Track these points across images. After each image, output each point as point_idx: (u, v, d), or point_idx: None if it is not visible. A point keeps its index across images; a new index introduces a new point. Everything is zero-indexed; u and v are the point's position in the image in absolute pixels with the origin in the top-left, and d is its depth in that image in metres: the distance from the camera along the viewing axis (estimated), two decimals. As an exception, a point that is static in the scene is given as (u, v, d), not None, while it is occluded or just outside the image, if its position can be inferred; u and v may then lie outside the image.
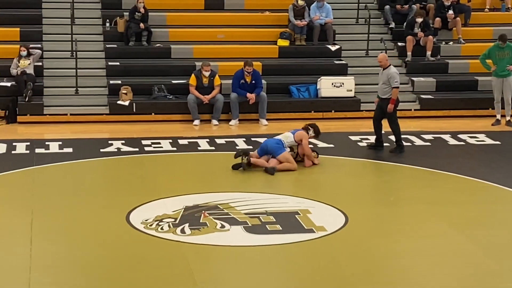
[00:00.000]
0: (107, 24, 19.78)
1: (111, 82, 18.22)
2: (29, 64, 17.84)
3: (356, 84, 18.57)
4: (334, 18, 20.22)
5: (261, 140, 14.70)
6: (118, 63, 18.79)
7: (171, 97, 18.05)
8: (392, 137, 15.08)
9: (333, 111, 18.36)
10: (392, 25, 20.82)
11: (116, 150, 14.93)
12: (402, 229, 10.85)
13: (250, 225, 10.72)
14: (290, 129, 14.35)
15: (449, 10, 20.55)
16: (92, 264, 9.44)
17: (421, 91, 19.08)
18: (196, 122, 17.49)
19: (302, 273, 9.32)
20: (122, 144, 15.33)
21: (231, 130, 17.12)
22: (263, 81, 18.08)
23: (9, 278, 9.01)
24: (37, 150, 14.75)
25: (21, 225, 10.64)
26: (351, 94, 18.56)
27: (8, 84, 17.77)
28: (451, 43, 20.61)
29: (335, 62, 19.53)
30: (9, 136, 16.07)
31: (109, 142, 15.48)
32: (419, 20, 19.93)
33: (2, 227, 10.63)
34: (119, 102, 17.68)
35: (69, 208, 11.43)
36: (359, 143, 15.64)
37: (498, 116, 17.65)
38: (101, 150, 14.88)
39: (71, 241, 10.14)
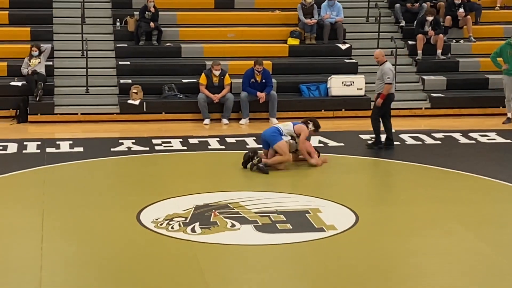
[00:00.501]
0: (118, 24, 19.80)
1: (122, 81, 18.25)
2: (39, 62, 17.89)
3: (366, 83, 18.49)
4: (344, 17, 20.20)
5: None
6: (128, 62, 18.81)
7: (181, 96, 18.06)
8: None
9: (343, 109, 18.34)
10: (403, 23, 20.77)
11: (126, 149, 14.95)
12: (413, 227, 10.82)
13: (260, 224, 10.71)
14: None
15: (460, 8, 20.49)
16: (103, 263, 9.45)
17: (432, 90, 19.03)
18: (207, 121, 17.50)
19: (312, 272, 9.30)
20: (133, 143, 15.34)
21: (241, 129, 17.12)
22: (273, 80, 18.07)
23: (20, 276, 9.03)
24: (48, 150, 14.78)
25: (32, 224, 10.67)
26: (362, 92, 18.52)
27: (19, 83, 17.81)
28: (461, 41, 20.55)
29: (345, 60, 19.50)
30: (20, 135, 16.12)
31: (120, 141, 15.50)
32: (430, 18, 19.87)
33: (13, 226, 10.66)
34: (129, 101, 17.70)
35: (79, 207, 11.45)
36: (369, 142, 15.60)
37: (509, 115, 17.60)
38: (112, 149, 14.90)
39: (82, 240, 10.16)
